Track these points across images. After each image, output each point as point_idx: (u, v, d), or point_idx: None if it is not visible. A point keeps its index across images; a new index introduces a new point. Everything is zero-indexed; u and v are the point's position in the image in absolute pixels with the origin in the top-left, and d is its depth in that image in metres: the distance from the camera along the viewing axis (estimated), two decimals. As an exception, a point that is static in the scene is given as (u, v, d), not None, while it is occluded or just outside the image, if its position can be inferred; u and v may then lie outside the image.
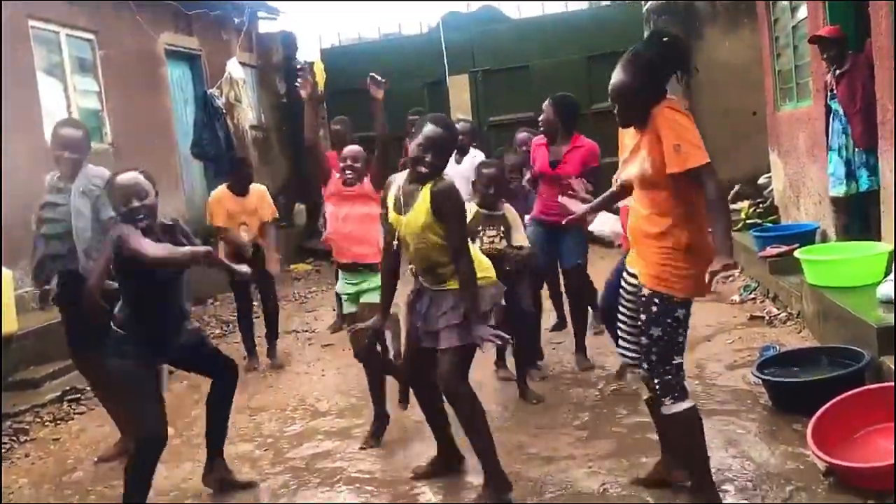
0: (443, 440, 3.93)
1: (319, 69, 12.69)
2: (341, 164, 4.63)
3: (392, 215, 3.65)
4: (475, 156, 6.05)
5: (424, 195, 3.49)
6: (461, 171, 5.52)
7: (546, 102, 5.39)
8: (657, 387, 3.13)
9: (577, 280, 5.49)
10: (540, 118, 5.42)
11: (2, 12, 6.21)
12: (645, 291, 3.10)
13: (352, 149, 4.70)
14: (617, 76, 3.07)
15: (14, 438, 5.03)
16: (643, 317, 3.10)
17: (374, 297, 4.21)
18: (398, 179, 3.68)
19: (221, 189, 6.31)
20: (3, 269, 5.57)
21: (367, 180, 4.60)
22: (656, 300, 3.06)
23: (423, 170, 3.49)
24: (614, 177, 3.47)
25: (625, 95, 3.06)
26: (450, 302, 3.54)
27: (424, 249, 3.55)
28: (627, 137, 3.20)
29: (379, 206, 4.13)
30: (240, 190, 6.22)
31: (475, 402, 3.55)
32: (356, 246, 4.57)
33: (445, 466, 3.93)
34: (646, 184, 3.08)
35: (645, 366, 3.17)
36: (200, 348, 3.90)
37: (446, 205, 3.46)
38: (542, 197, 5.40)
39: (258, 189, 6.38)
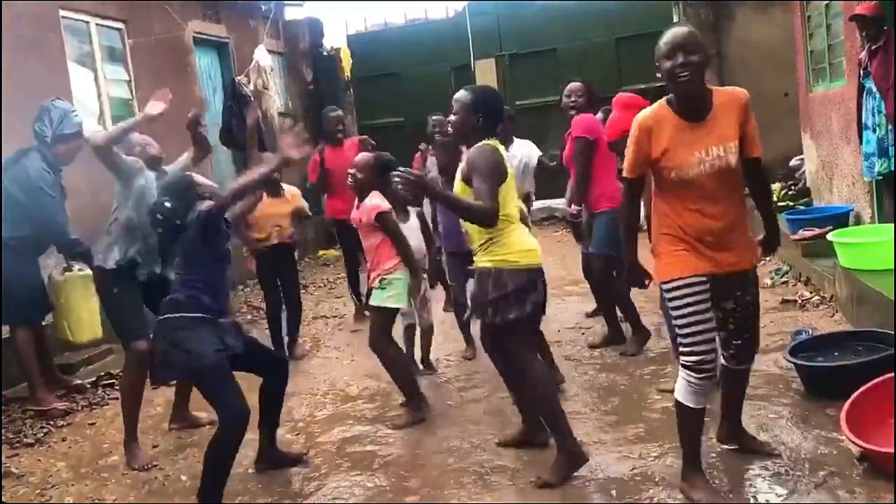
0: (523, 411, 4.04)
1: (346, 55, 12.74)
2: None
3: None
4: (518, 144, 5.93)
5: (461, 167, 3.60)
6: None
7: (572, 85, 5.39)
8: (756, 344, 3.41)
9: (597, 269, 5.35)
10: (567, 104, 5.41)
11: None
12: (750, 271, 3.31)
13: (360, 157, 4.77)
14: None
15: (51, 423, 5.13)
16: (754, 290, 3.32)
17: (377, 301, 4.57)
18: None
19: None
20: (75, 269, 5.68)
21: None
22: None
23: (449, 130, 3.69)
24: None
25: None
26: (478, 279, 3.61)
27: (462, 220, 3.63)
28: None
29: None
30: (273, 190, 6.08)
31: (524, 372, 3.62)
32: None
33: (529, 438, 4.00)
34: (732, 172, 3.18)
35: (748, 336, 3.37)
36: (251, 347, 3.98)
37: (470, 166, 3.50)
38: None
39: (292, 190, 6.30)
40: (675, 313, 3.19)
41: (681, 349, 3.21)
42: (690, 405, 3.20)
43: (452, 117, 3.65)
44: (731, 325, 3.32)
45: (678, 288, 3.15)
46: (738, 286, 3.25)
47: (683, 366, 3.19)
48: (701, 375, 3.14)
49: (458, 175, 3.63)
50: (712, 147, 3.08)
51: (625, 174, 3.28)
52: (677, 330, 3.22)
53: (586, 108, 5.33)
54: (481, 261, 3.58)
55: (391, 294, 4.59)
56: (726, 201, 3.16)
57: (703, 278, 3.14)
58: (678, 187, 3.15)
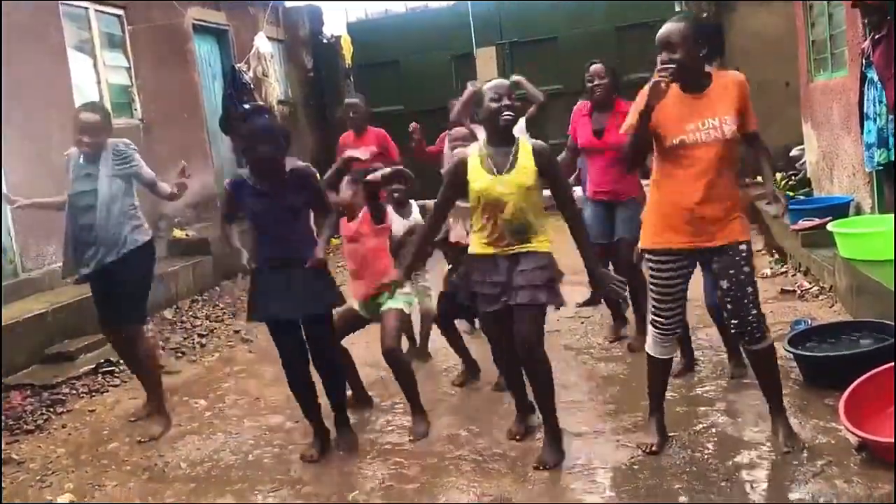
0: (523, 402, 4.02)
1: (346, 43, 12.69)
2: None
3: (486, 180, 3.57)
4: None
5: (526, 155, 3.57)
6: None
7: (596, 66, 5.05)
8: (761, 324, 3.46)
9: (626, 254, 4.99)
10: (594, 83, 5.06)
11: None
12: (742, 247, 3.41)
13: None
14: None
15: (51, 409, 5.14)
16: (746, 269, 3.40)
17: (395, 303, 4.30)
18: (471, 149, 3.71)
19: None
20: None
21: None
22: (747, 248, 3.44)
23: (509, 115, 3.58)
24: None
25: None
26: (533, 262, 3.61)
27: (523, 209, 3.59)
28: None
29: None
30: None
31: (550, 366, 3.68)
32: None
33: (526, 423, 4.04)
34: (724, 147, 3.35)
35: (755, 312, 3.43)
36: None
37: (551, 161, 3.66)
38: (592, 171, 5.18)
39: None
40: (649, 278, 3.58)
41: (651, 309, 3.62)
42: (655, 355, 3.64)
43: (508, 101, 3.59)
44: (729, 305, 3.46)
45: (652, 259, 3.53)
46: (729, 264, 3.40)
47: (651, 322, 3.62)
48: (663, 331, 3.58)
49: (531, 166, 3.57)
50: (707, 119, 3.31)
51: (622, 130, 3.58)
52: (650, 290, 3.60)
53: (612, 90, 5.05)
54: (536, 245, 3.64)
55: (407, 293, 4.50)
56: (711, 175, 3.33)
57: (677, 253, 3.46)
58: (670, 155, 3.39)
